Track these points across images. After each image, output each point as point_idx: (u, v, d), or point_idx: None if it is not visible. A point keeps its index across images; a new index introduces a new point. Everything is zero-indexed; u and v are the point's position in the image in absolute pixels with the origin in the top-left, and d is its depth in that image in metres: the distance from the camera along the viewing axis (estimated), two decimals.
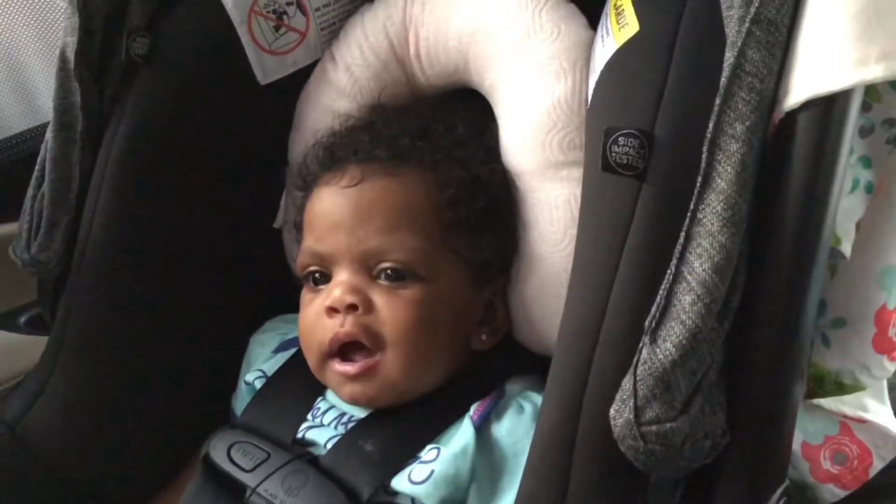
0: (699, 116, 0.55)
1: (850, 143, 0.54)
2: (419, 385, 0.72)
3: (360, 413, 0.73)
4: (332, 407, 0.75)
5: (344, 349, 0.71)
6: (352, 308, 0.70)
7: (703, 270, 0.53)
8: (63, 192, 0.78)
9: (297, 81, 0.87)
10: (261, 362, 0.83)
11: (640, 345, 0.54)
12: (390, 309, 0.70)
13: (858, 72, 0.50)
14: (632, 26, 0.62)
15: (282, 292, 0.85)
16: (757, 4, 0.54)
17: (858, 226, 0.63)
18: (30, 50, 0.99)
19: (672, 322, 0.53)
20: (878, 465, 0.72)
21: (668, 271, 0.54)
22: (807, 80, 0.52)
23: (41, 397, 0.80)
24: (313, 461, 0.70)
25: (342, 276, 0.72)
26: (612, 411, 0.55)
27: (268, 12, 0.82)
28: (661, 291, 0.54)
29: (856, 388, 0.68)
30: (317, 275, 0.75)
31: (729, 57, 0.54)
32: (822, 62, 0.52)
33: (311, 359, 0.74)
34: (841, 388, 0.68)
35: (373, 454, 0.69)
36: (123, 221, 0.80)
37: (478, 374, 0.74)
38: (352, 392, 0.71)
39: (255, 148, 0.86)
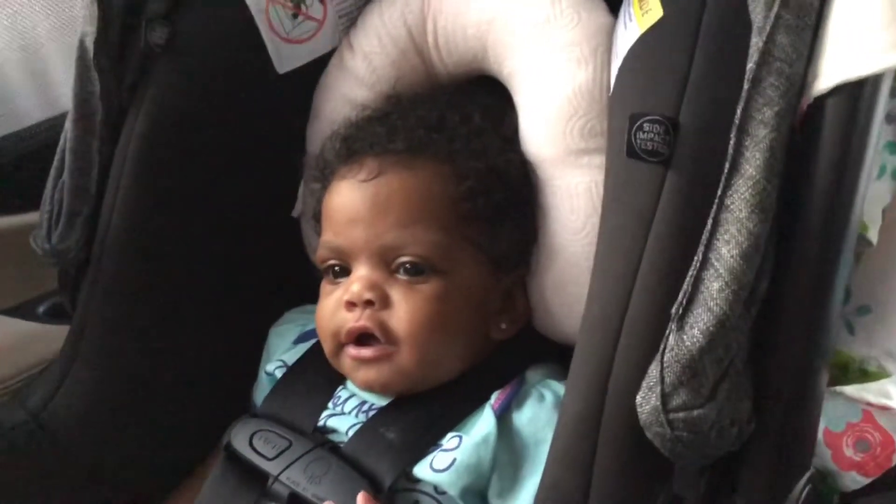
0: (724, 102, 0.55)
1: (878, 129, 0.54)
2: (435, 375, 0.72)
3: (381, 401, 0.73)
4: (352, 395, 0.75)
5: (359, 338, 0.71)
6: (369, 304, 0.71)
7: (731, 257, 0.52)
8: (83, 182, 0.78)
9: (315, 70, 0.86)
10: (281, 353, 0.83)
11: (667, 332, 0.54)
12: (407, 306, 0.70)
13: (889, 57, 0.50)
14: (655, 11, 0.61)
15: (301, 283, 0.86)
16: None
17: (885, 212, 0.63)
18: (49, 39, 0.99)
19: (699, 309, 0.53)
20: None
21: (696, 258, 0.54)
22: (836, 65, 0.52)
23: (63, 386, 0.80)
24: (335, 449, 0.70)
25: (361, 272, 0.72)
26: (638, 398, 0.55)
27: (285, 0, 0.82)
28: (688, 278, 0.54)
29: (880, 375, 0.67)
30: (336, 268, 0.75)
31: (757, 42, 0.54)
32: (852, 47, 0.51)
33: (327, 346, 0.74)
34: (865, 376, 0.67)
35: (394, 442, 0.69)
36: (143, 210, 0.80)
37: (498, 363, 0.74)
38: (365, 377, 0.72)
39: (273, 137, 0.86)
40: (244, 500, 0.69)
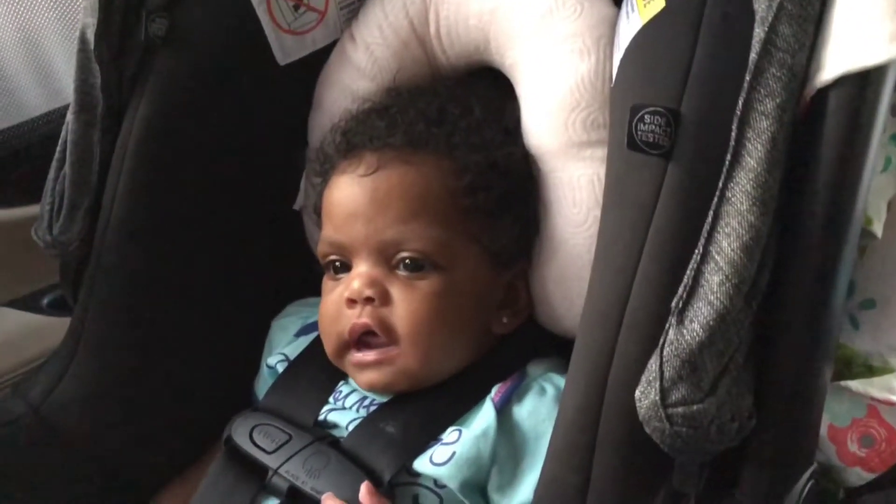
0: (726, 93, 0.54)
1: (883, 121, 0.53)
2: (439, 372, 0.72)
3: (382, 397, 0.73)
4: (354, 390, 0.75)
5: (361, 336, 0.71)
6: (369, 301, 0.70)
7: (732, 250, 0.52)
8: (84, 174, 0.78)
9: (317, 62, 0.86)
10: (283, 346, 0.83)
11: (667, 326, 0.54)
12: (406, 303, 0.70)
13: (894, 47, 0.49)
14: (657, 2, 0.61)
15: (302, 275, 0.85)
16: None
17: (890, 205, 0.62)
18: (50, 31, 0.99)
19: (699, 303, 0.52)
20: None
21: (696, 251, 0.53)
22: (840, 56, 0.51)
23: (64, 378, 0.80)
24: (335, 443, 0.70)
25: (361, 268, 0.71)
26: (637, 393, 0.55)
27: None
28: (688, 271, 0.53)
29: (885, 370, 0.67)
30: (337, 263, 0.75)
31: (759, 32, 0.53)
32: (856, 37, 0.51)
33: (330, 347, 0.74)
34: (870, 371, 0.67)
35: (394, 436, 0.69)
36: (143, 203, 0.80)
37: (499, 357, 0.74)
38: (369, 380, 0.71)
39: (275, 129, 0.86)
40: (243, 493, 0.69)
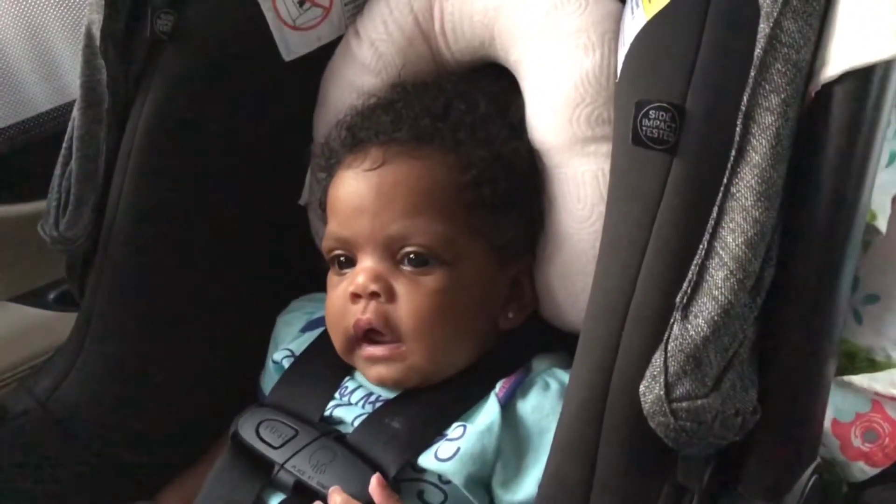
0: (731, 89, 0.54)
1: (888, 116, 0.53)
2: (447, 368, 0.72)
3: (387, 393, 0.73)
4: (359, 386, 0.75)
5: (368, 332, 0.71)
6: (374, 296, 0.70)
7: (736, 245, 0.52)
8: (90, 170, 0.79)
9: (322, 58, 0.86)
10: (288, 341, 0.83)
11: (671, 321, 0.54)
12: (411, 300, 0.70)
13: None
14: None
15: (307, 270, 0.85)
16: None
17: (894, 200, 0.62)
18: (56, 28, 1.00)
19: (704, 298, 0.52)
20: None
21: (701, 246, 0.53)
22: (845, 52, 0.51)
23: (71, 373, 0.81)
24: (340, 438, 0.70)
25: (366, 263, 0.71)
26: (641, 388, 0.55)
27: None
28: (692, 267, 0.53)
29: (888, 365, 0.67)
30: (342, 258, 0.75)
31: (764, 28, 0.53)
32: (861, 33, 0.50)
33: (338, 342, 0.74)
34: (873, 366, 0.67)
35: (399, 432, 0.69)
36: (149, 199, 0.80)
37: (504, 352, 0.74)
38: (379, 374, 0.72)
39: (280, 125, 0.86)
40: (249, 488, 0.70)
